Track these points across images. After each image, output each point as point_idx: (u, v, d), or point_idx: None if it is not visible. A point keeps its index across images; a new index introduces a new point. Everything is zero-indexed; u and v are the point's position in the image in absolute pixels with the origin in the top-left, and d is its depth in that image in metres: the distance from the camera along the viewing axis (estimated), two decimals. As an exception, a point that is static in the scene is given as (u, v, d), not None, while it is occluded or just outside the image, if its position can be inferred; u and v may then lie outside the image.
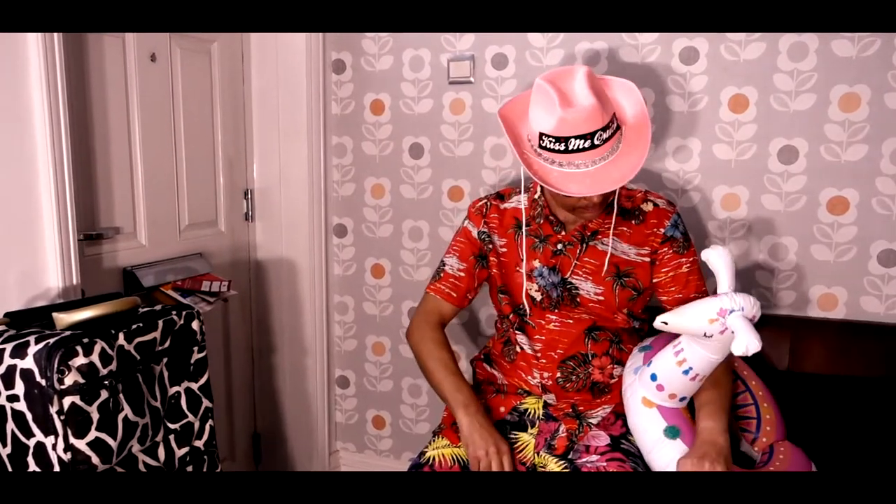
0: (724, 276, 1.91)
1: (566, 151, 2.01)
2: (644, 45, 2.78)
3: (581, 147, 1.99)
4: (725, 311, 1.82)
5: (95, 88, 2.44)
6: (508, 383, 2.37)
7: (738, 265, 2.76)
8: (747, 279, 2.77)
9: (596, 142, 1.98)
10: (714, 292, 1.93)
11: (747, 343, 1.72)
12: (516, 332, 2.34)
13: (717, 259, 1.93)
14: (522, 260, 2.30)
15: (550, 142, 2.03)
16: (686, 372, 1.98)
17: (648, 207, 2.26)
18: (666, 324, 1.90)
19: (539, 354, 2.29)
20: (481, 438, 2.10)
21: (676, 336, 2.03)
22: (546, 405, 2.30)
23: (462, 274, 2.40)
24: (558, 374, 2.26)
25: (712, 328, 1.84)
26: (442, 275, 2.43)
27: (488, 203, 2.41)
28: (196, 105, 2.94)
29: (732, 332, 1.79)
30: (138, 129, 2.62)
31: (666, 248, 2.22)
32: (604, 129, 1.99)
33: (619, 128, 2.06)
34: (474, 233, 2.41)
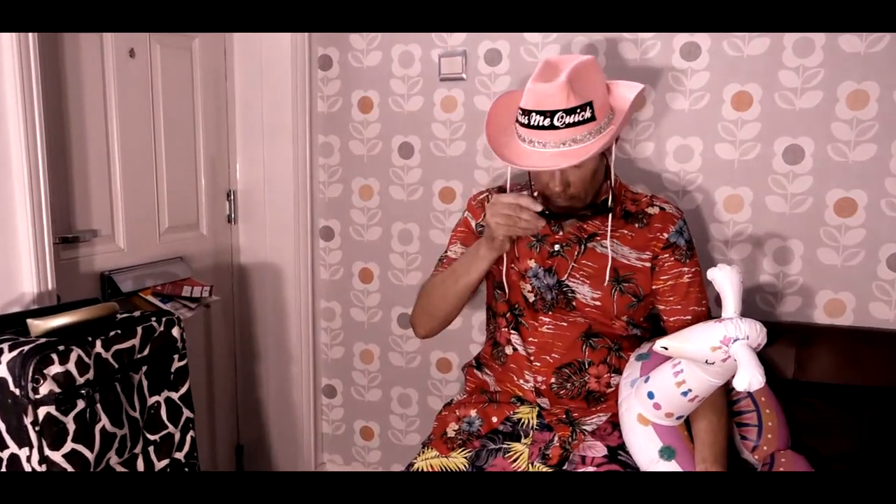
0: (730, 298, 1.87)
1: (528, 126, 2.05)
2: (643, 41, 2.79)
3: (541, 124, 2.02)
4: (729, 340, 1.79)
5: (71, 85, 2.44)
6: (501, 390, 2.38)
7: (741, 269, 2.77)
8: (751, 284, 2.79)
9: (556, 123, 2.00)
10: (718, 308, 1.92)
11: (750, 379, 1.70)
12: (511, 331, 2.35)
13: (724, 279, 1.89)
14: (517, 258, 2.32)
15: (520, 114, 2.08)
16: (685, 394, 1.97)
17: (654, 211, 2.27)
18: (666, 349, 1.89)
19: (532, 357, 2.30)
20: (492, 214, 2.09)
21: None
22: (540, 412, 2.30)
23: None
24: (553, 380, 2.27)
25: (715, 356, 1.81)
26: (444, 260, 2.45)
27: (489, 196, 2.42)
28: (177, 103, 2.95)
29: (735, 361, 1.78)
30: (116, 128, 2.63)
31: (667, 255, 2.23)
32: (568, 112, 1.99)
33: (594, 119, 2.03)
34: (473, 224, 2.43)
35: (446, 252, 2.46)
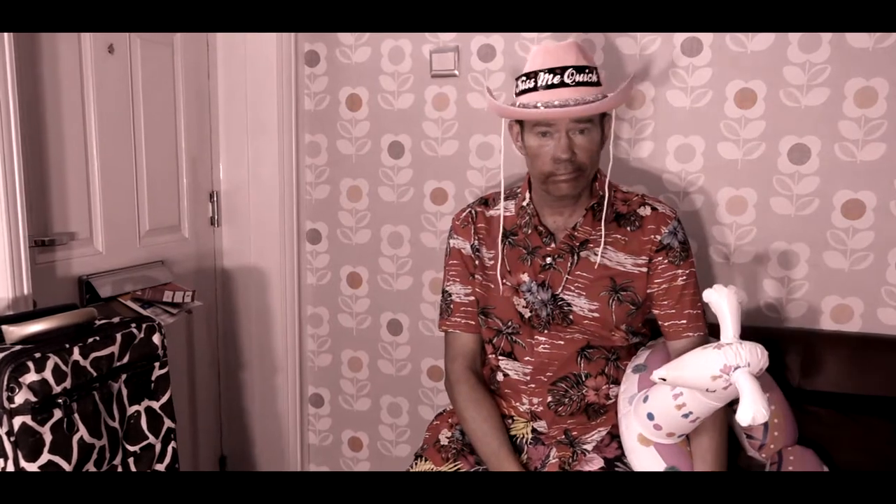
0: (728, 321, 1.87)
1: (535, 89, 2.06)
2: (643, 36, 2.80)
3: (550, 83, 2.03)
4: (730, 368, 1.78)
5: (48, 82, 2.44)
6: (496, 409, 2.38)
7: (745, 274, 2.78)
8: (755, 289, 2.79)
9: (566, 80, 2.01)
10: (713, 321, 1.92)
11: (754, 413, 1.70)
12: (500, 357, 2.34)
13: (721, 301, 1.87)
14: (509, 272, 2.30)
15: (522, 81, 2.10)
16: (686, 416, 1.97)
17: (646, 212, 2.26)
18: (665, 380, 1.89)
19: (528, 378, 2.29)
20: None
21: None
22: (535, 430, 2.31)
23: (472, 298, 2.40)
24: (549, 399, 2.26)
25: (715, 384, 1.81)
26: (451, 306, 2.42)
27: (473, 211, 2.40)
28: (157, 100, 2.95)
29: (737, 388, 1.77)
30: (95, 126, 2.63)
31: (661, 258, 2.22)
32: (577, 70, 2.02)
33: (599, 84, 2.08)
34: (466, 250, 2.39)
35: (449, 296, 2.42)
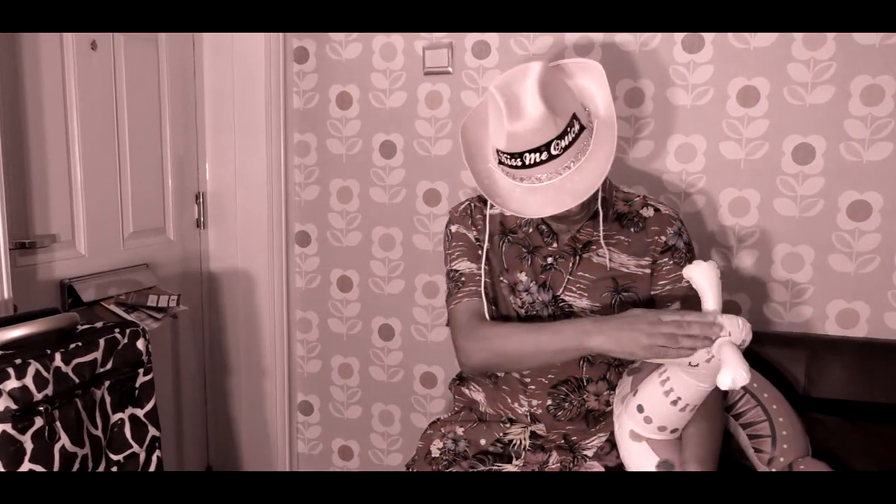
0: (709, 296, 1.89)
1: (524, 167, 2.00)
2: (642, 32, 2.78)
3: (538, 161, 1.98)
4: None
5: (29, 79, 2.44)
6: (492, 411, 2.37)
7: (748, 277, 2.78)
8: (758, 293, 2.80)
9: (553, 152, 1.96)
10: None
11: (734, 376, 1.71)
12: None
13: (701, 277, 1.89)
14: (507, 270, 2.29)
15: (506, 158, 2.03)
16: (674, 403, 1.98)
17: (649, 213, 2.26)
18: None
19: (528, 380, 2.28)
20: (635, 332, 1.90)
21: None
22: (534, 435, 2.30)
23: (484, 272, 2.29)
24: (549, 402, 2.26)
25: (697, 357, 1.83)
26: (464, 278, 2.29)
27: (472, 205, 2.37)
28: (142, 98, 2.95)
29: (719, 360, 1.79)
30: (77, 126, 2.62)
31: (666, 259, 2.22)
32: (560, 137, 1.96)
33: (583, 128, 2.02)
34: (471, 236, 2.32)
35: (457, 273, 2.31)
